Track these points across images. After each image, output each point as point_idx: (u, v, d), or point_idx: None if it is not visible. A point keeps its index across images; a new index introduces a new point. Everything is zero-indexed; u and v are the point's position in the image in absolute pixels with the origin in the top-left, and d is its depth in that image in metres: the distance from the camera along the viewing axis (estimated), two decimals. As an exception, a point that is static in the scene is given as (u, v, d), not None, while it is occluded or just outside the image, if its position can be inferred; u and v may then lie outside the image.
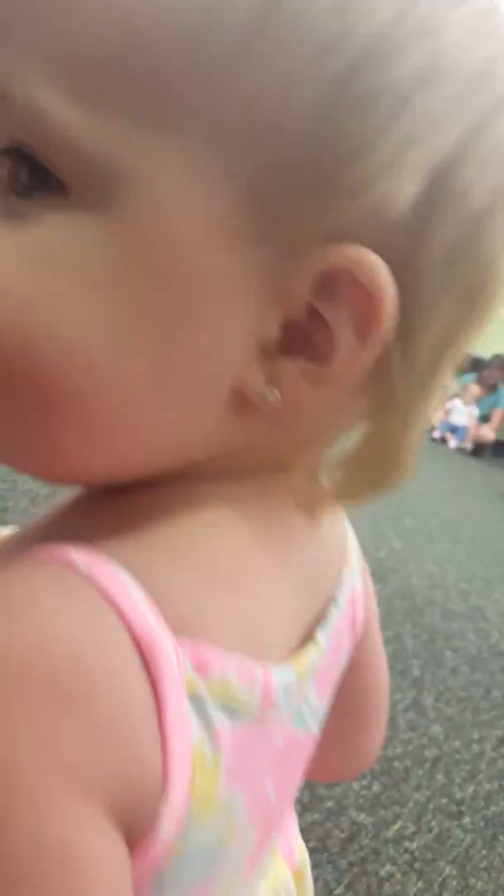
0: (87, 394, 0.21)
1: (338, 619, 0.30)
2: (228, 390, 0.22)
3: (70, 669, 0.18)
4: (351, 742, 0.40)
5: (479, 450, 5.70)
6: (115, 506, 0.24)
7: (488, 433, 5.76)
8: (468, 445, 5.68)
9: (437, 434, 5.71)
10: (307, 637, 0.28)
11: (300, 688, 0.26)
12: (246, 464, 0.25)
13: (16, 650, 0.17)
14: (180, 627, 0.20)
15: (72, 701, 0.17)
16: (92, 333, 0.20)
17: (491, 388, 5.88)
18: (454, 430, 5.71)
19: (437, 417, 5.79)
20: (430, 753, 1.40)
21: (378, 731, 0.41)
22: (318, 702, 0.28)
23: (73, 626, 0.18)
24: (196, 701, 0.20)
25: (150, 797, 0.19)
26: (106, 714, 0.18)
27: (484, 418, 5.81)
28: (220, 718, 0.21)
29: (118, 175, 0.19)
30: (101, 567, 0.20)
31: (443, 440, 5.69)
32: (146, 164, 0.19)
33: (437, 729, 1.50)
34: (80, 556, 0.20)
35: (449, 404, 5.84)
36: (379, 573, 2.23)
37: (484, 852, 1.20)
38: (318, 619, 0.29)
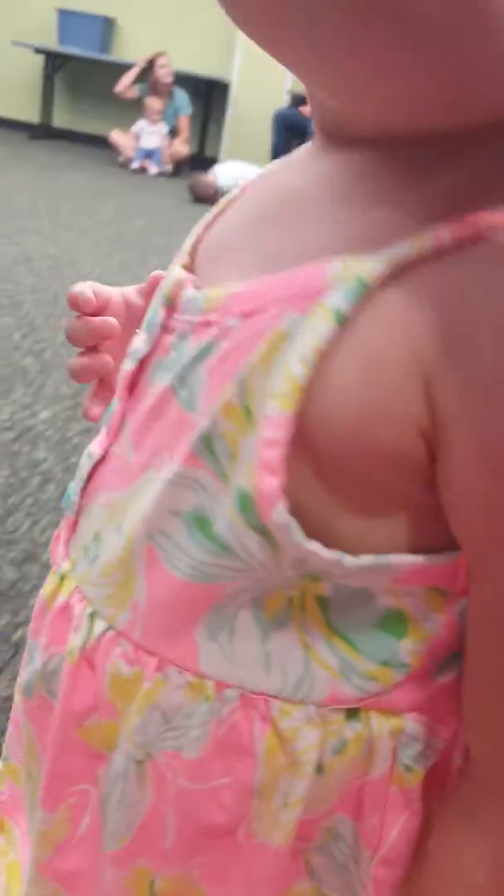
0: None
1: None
2: None
3: None
4: None
5: (178, 169, 5.55)
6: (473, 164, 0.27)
7: (181, 148, 5.57)
8: (168, 168, 5.48)
9: (135, 165, 5.40)
10: None
11: None
12: None
13: None
14: None
15: None
16: None
17: (167, 95, 5.53)
18: (150, 154, 5.43)
19: (130, 147, 5.42)
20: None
21: None
22: None
23: None
24: None
25: None
26: None
27: (173, 132, 5.55)
28: None
29: None
30: None
31: (143, 169, 5.41)
32: None
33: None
34: None
35: (135, 128, 5.45)
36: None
37: None
38: None
